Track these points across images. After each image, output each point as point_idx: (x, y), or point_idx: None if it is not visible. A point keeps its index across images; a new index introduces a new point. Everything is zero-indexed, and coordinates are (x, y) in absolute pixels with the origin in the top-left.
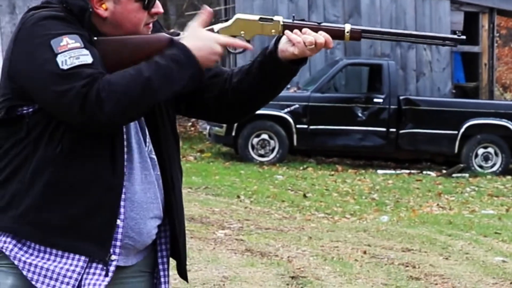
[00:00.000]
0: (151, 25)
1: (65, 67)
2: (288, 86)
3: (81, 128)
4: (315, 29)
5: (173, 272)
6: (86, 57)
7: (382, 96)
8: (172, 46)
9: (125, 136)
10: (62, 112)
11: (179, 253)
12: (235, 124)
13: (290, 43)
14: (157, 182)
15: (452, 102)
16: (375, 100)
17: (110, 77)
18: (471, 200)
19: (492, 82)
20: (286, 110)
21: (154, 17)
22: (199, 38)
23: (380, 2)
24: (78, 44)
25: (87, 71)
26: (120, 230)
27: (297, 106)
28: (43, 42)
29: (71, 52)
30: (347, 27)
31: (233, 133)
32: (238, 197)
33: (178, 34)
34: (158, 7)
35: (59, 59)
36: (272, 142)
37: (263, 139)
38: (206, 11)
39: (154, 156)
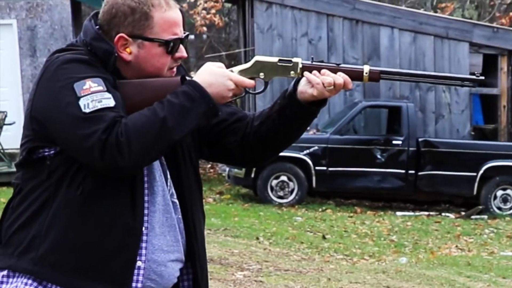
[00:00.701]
0: (175, 69)
1: (87, 110)
2: (308, 128)
3: (102, 172)
4: (334, 70)
5: None
6: (108, 101)
7: (401, 138)
8: (183, 84)
9: (146, 179)
10: (83, 155)
11: None
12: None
13: (309, 85)
14: (178, 225)
15: (471, 144)
16: (394, 142)
17: (127, 121)
18: (490, 242)
19: (511, 124)
20: (305, 152)
21: (178, 62)
22: (211, 73)
23: (399, 45)
24: (101, 88)
25: (109, 114)
26: (141, 272)
27: (316, 148)
28: (66, 85)
29: (94, 96)
30: (366, 68)
31: (252, 175)
32: (257, 238)
33: None
34: (182, 52)
35: (82, 102)
36: (291, 184)
37: (282, 181)
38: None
39: (176, 200)
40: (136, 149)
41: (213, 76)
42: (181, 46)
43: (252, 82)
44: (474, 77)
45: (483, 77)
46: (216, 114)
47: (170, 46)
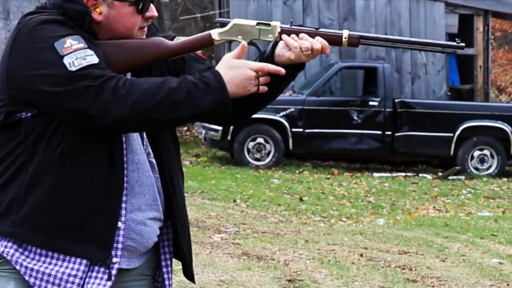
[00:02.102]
0: (146, 29)
1: (73, 68)
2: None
3: (88, 126)
4: (313, 35)
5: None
6: (92, 57)
7: (378, 99)
8: (207, 70)
9: (124, 139)
10: (72, 110)
11: (183, 255)
12: (231, 128)
13: (287, 48)
14: (156, 184)
15: (447, 104)
16: (371, 103)
17: (134, 79)
18: (467, 203)
19: (488, 84)
20: (281, 113)
21: (148, 21)
22: (232, 67)
23: (374, 5)
24: (82, 45)
25: (96, 72)
26: (121, 232)
27: (292, 109)
28: (46, 45)
29: (77, 53)
30: (345, 33)
31: (229, 137)
32: (234, 201)
33: (173, 38)
34: (153, 11)
35: (66, 60)
36: (267, 146)
37: (259, 143)
38: (242, 46)
39: (153, 159)
40: (133, 105)
41: (234, 69)
42: (151, 5)
43: (275, 67)
44: (454, 43)
45: (463, 44)
46: (226, 107)
47: (140, 6)
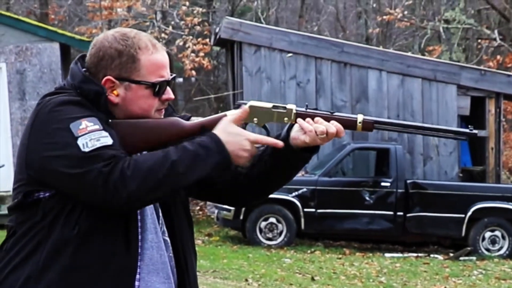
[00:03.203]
0: (163, 110)
1: (86, 149)
2: None
3: (102, 207)
4: (328, 118)
5: None
6: (106, 139)
7: (390, 180)
8: (202, 134)
9: (139, 217)
10: (85, 192)
11: None
12: (243, 208)
13: (302, 132)
14: (169, 263)
15: (459, 186)
16: (383, 184)
17: (138, 157)
18: (479, 284)
19: (499, 165)
20: (294, 194)
21: (165, 104)
22: (229, 132)
23: (387, 87)
24: (97, 127)
25: (108, 152)
26: None
27: (305, 190)
28: (62, 126)
29: (91, 135)
30: (360, 117)
31: (241, 217)
32: (246, 280)
33: (189, 118)
34: (169, 94)
35: (80, 142)
36: (280, 225)
37: (271, 223)
38: (243, 110)
39: (167, 238)
40: (141, 185)
41: (231, 135)
42: (168, 88)
43: (273, 140)
44: (467, 130)
45: (476, 131)
46: (228, 167)
47: (156, 88)
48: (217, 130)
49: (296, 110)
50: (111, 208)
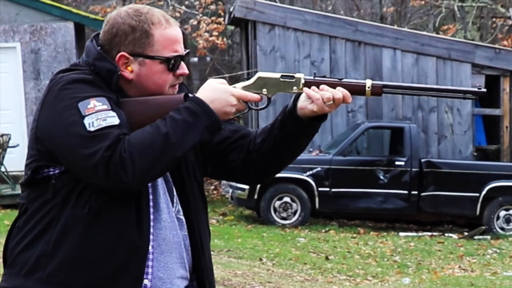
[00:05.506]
0: (177, 86)
1: (92, 128)
2: (310, 149)
3: (108, 190)
4: (336, 85)
5: None
6: (113, 119)
7: (404, 159)
8: (186, 100)
9: (151, 197)
10: (87, 174)
11: None
12: (258, 187)
13: (309, 100)
14: (183, 242)
15: (473, 164)
16: (397, 163)
17: (129, 137)
18: (493, 262)
19: None
20: (308, 173)
21: (179, 79)
22: (213, 89)
23: (401, 66)
24: (105, 107)
25: (114, 132)
26: None
27: (319, 169)
28: (71, 104)
29: (98, 114)
30: (368, 82)
31: (256, 196)
32: (260, 259)
33: None
34: (183, 69)
35: (86, 121)
36: (294, 205)
37: (285, 202)
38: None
39: (182, 217)
40: (140, 165)
41: (215, 92)
42: (182, 63)
43: (256, 96)
44: (475, 89)
45: (485, 89)
46: (218, 128)
47: (171, 63)
48: (201, 91)
49: (305, 79)
50: (116, 192)
